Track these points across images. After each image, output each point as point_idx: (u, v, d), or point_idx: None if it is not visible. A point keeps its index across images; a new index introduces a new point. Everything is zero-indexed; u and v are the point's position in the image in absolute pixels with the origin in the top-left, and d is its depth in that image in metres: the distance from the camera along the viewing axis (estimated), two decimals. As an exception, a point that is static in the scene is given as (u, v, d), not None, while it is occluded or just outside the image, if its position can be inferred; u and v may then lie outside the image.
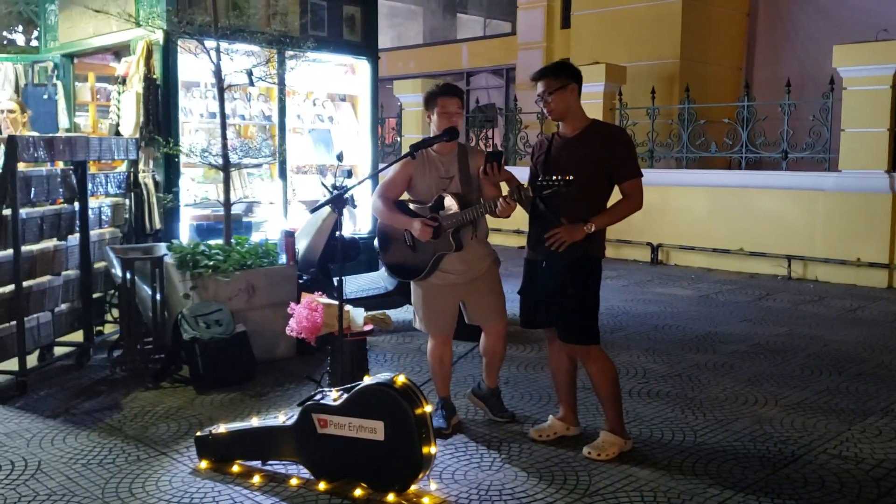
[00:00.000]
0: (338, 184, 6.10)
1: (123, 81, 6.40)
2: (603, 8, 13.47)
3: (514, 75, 17.39)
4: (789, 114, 9.32)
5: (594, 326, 3.84)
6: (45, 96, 7.35)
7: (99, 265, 5.72)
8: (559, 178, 3.54)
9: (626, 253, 10.64)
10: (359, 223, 7.71)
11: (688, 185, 10.10)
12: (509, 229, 11.22)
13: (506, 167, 3.99)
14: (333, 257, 6.36)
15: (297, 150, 7.49)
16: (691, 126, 10.25)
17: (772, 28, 13.25)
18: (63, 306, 5.41)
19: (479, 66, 18.69)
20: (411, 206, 4.12)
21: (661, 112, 10.97)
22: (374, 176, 5.82)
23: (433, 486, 3.49)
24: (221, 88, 5.60)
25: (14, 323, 4.80)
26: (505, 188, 3.97)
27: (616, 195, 3.85)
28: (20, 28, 15.45)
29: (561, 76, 3.76)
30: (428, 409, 3.41)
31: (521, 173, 4.10)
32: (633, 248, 10.57)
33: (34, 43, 14.27)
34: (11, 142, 4.56)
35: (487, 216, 4.00)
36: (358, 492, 3.41)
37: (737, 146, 9.93)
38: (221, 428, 3.76)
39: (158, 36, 6.06)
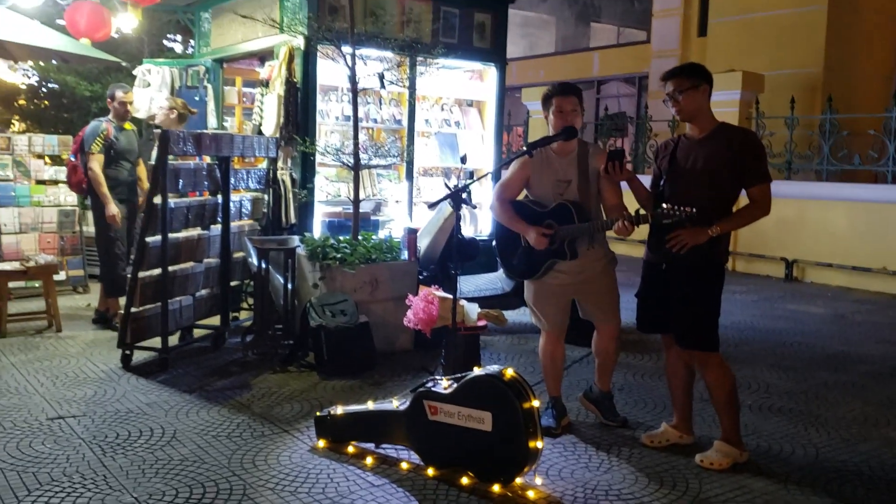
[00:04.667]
0: (459, 185, 6.25)
1: (266, 84, 6.80)
2: (743, 15, 13.07)
3: (646, 84, 17.10)
4: (945, 125, 8.72)
5: (714, 333, 3.76)
6: (197, 98, 7.89)
7: (238, 255, 6.11)
8: (682, 210, 3.50)
9: (758, 268, 10.22)
10: (480, 225, 7.83)
11: (828, 199, 9.59)
12: (634, 239, 11.00)
13: (634, 175, 3.98)
14: (454, 256, 6.51)
15: (424, 153, 7.70)
16: (833, 138, 9.76)
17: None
18: (203, 292, 5.81)
19: (610, 74, 18.49)
20: (530, 205, 4.15)
21: (801, 122, 10.48)
22: (494, 174, 5.93)
23: (538, 480, 3.53)
24: (355, 91, 5.87)
25: (159, 304, 5.21)
26: (626, 189, 3.96)
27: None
28: (178, 38, 16.68)
29: (693, 76, 3.72)
30: (535, 403, 3.45)
31: (648, 182, 4.06)
32: (767, 262, 10.13)
33: (182, 48, 15.33)
34: (164, 136, 4.97)
35: None
36: (465, 480, 3.50)
37: (883, 159, 9.37)
38: (339, 409, 3.95)
39: (300, 41, 6.42)
